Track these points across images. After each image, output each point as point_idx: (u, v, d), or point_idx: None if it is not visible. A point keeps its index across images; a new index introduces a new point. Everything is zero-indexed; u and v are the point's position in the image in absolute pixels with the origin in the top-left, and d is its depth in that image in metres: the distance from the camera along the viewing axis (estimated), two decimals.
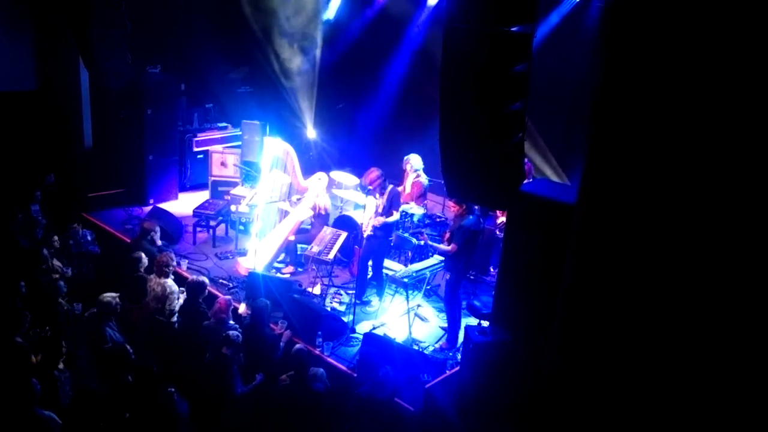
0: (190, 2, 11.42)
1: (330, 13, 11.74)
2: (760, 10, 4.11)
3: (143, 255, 7.79)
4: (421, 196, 9.67)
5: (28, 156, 10.50)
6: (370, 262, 8.47)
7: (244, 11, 11.52)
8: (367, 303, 8.51)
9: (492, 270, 9.27)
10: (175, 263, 7.64)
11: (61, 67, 10.51)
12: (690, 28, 4.42)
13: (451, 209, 7.84)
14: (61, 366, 6.15)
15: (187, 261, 9.13)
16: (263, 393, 6.46)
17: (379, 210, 8.29)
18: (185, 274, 8.45)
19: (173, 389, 5.82)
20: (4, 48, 10.32)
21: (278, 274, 8.99)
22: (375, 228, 8.23)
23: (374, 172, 8.32)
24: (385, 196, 8.26)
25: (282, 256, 9.35)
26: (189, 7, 11.39)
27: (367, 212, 8.53)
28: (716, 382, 4.61)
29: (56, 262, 7.98)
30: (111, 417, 5.66)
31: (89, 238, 8.66)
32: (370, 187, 8.33)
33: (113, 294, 6.91)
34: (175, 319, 7.36)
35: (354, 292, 8.56)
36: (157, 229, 8.34)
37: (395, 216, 8.35)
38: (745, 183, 4.35)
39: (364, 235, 8.39)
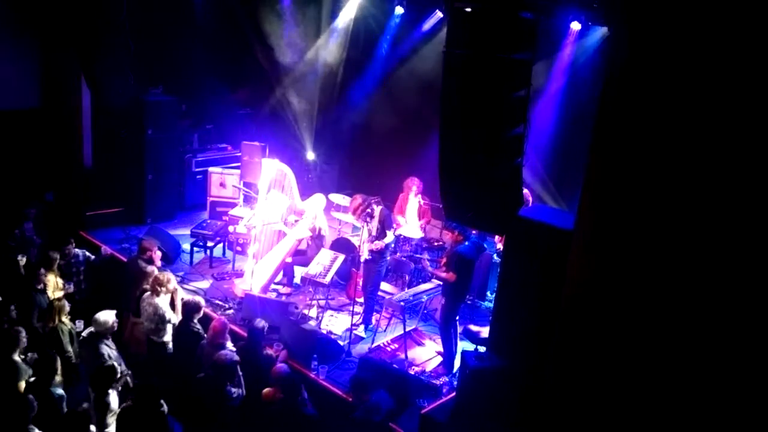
0: (193, 24, 11.52)
1: (330, 40, 11.79)
2: (757, 43, 4.17)
3: (155, 270, 7.76)
4: (426, 220, 9.72)
5: (28, 173, 10.52)
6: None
7: (246, 33, 11.62)
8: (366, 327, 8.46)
9: (490, 295, 9.24)
10: (171, 285, 7.57)
11: (64, 85, 10.57)
12: (689, 59, 4.46)
13: (447, 236, 7.83)
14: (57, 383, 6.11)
15: (182, 282, 9.09)
16: (254, 416, 6.39)
17: (373, 233, 8.26)
18: (181, 294, 8.40)
19: (165, 410, 5.79)
20: (8, 66, 10.39)
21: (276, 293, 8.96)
22: (372, 252, 8.21)
23: (357, 200, 8.30)
24: (376, 219, 8.24)
25: (279, 277, 9.32)
26: (191, 29, 11.49)
27: (360, 237, 8.47)
28: (715, 401, 4.59)
29: (59, 280, 7.97)
30: None
31: (81, 258, 8.63)
32: (363, 214, 8.27)
33: (110, 312, 6.87)
34: (168, 339, 7.31)
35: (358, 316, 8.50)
36: (156, 249, 8.31)
37: (390, 236, 8.33)
38: (741, 207, 4.36)
39: (361, 260, 8.36)
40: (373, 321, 8.48)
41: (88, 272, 8.64)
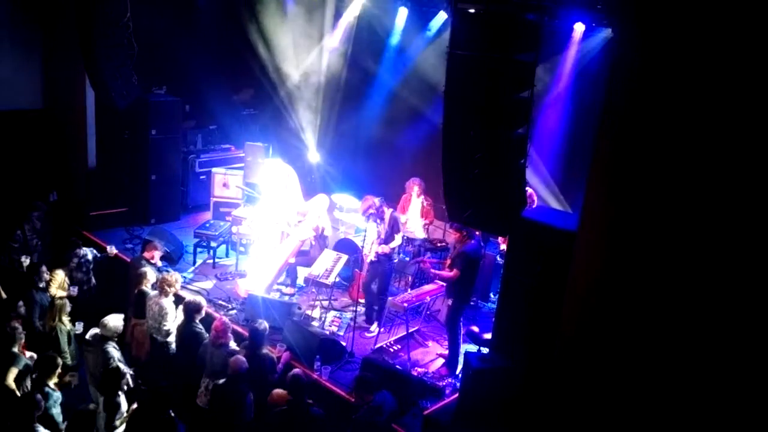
0: (196, 25, 11.54)
1: (333, 41, 11.83)
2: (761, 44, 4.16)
3: (149, 270, 7.78)
4: (429, 221, 9.72)
5: (32, 173, 10.54)
6: (373, 286, 8.44)
7: (249, 35, 11.63)
8: (366, 328, 8.46)
9: (493, 296, 9.23)
10: (179, 285, 7.62)
11: (68, 86, 10.59)
12: (694, 60, 4.46)
13: (452, 235, 7.83)
14: (52, 384, 6.10)
15: (185, 282, 9.09)
16: (260, 417, 6.38)
17: (382, 236, 8.26)
18: (183, 294, 8.41)
19: (173, 414, 5.80)
20: (12, 67, 10.41)
21: (279, 294, 8.96)
22: (379, 254, 8.21)
23: (369, 200, 8.31)
24: (386, 222, 8.25)
25: (282, 278, 9.32)
26: (195, 30, 11.51)
27: (368, 239, 8.48)
28: (720, 402, 4.59)
29: (66, 279, 8.00)
30: None
31: (90, 257, 8.65)
32: (373, 212, 8.28)
33: (118, 316, 6.91)
34: (171, 339, 7.33)
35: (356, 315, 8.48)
36: (156, 251, 8.32)
37: (398, 239, 8.34)
38: (745, 208, 4.36)
39: (366, 261, 8.35)
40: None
41: (96, 270, 8.67)
